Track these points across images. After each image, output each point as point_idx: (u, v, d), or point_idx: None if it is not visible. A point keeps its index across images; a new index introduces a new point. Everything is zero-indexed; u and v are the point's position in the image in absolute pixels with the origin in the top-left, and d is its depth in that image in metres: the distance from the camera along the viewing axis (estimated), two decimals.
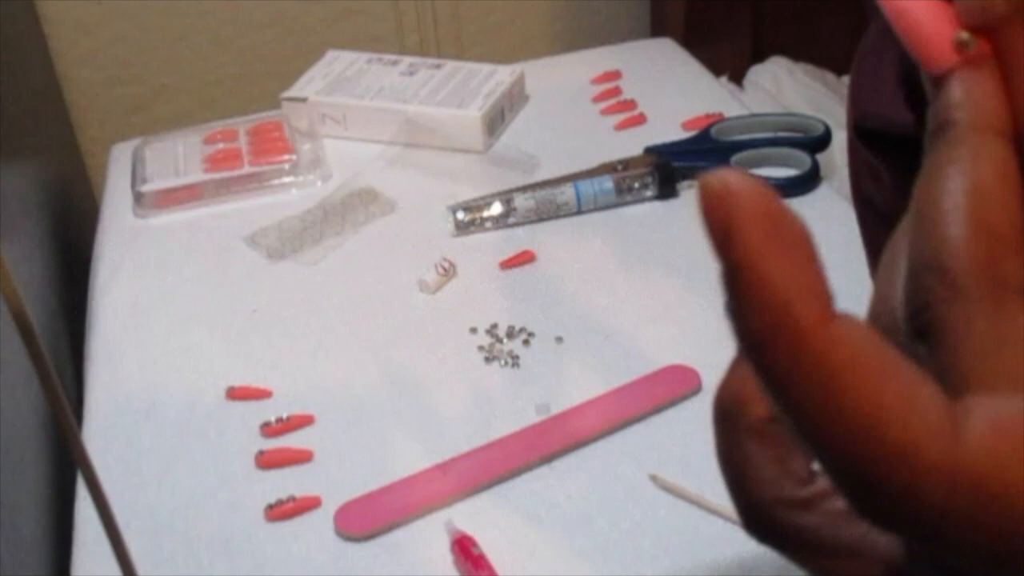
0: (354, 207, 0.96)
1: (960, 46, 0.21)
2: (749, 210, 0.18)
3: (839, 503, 0.21)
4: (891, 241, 0.23)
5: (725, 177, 0.18)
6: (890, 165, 0.42)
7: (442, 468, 0.70)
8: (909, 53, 0.22)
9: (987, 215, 0.20)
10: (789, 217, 0.18)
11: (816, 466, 0.22)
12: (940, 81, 0.22)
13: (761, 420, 0.22)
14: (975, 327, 0.19)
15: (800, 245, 0.18)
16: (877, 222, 0.45)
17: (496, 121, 1.04)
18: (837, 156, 1.06)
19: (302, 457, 0.72)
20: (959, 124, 0.21)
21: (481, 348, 0.80)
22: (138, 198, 0.99)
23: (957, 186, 0.20)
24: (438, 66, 1.10)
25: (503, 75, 1.08)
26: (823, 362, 0.18)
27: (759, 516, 0.22)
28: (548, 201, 0.93)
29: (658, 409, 0.73)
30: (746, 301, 0.18)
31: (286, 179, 1.01)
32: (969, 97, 0.21)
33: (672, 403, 0.73)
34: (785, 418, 0.19)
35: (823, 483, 0.22)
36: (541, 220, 0.93)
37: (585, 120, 1.07)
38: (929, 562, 0.20)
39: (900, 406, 0.18)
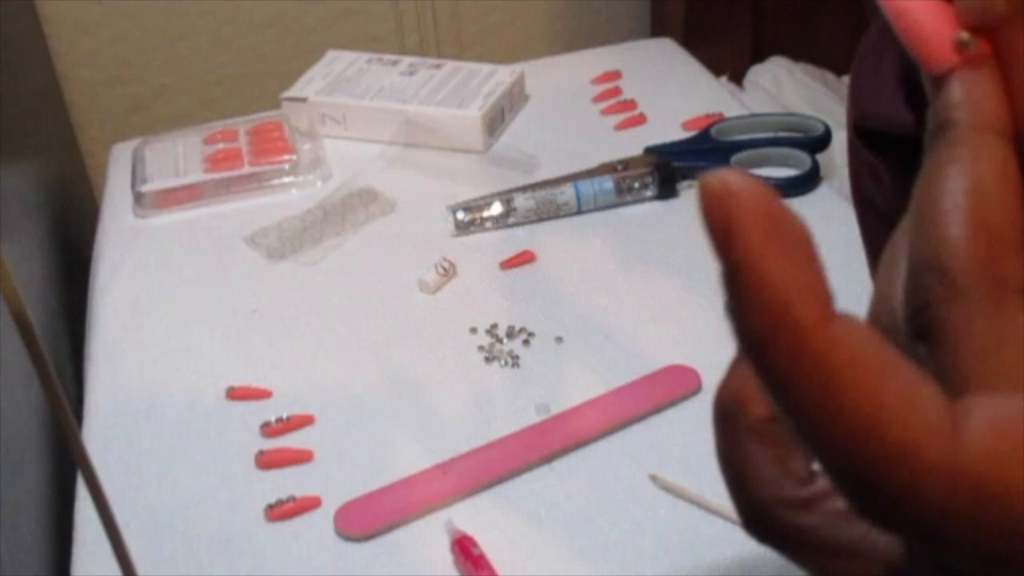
0: (354, 207, 0.96)
1: (960, 46, 0.21)
2: (749, 210, 0.18)
3: (839, 503, 0.21)
4: (891, 241, 0.23)
5: (725, 177, 0.18)
6: (890, 165, 0.42)
7: (442, 468, 0.70)
8: (909, 53, 0.22)
9: (987, 215, 0.20)
10: (789, 217, 0.18)
11: (816, 466, 0.22)
12: (940, 81, 0.22)
13: (761, 420, 0.22)
14: (975, 327, 0.19)
15: (800, 245, 0.18)
16: (877, 222, 0.45)
17: (496, 121, 1.04)
18: (837, 156, 1.05)
19: (302, 457, 0.72)
20: (959, 124, 0.21)
21: (481, 348, 0.80)
22: (138, 198, 0.99)
23: (957, 186, 0.20)
24: (438, 66, 1.10)
25: (503, 75, 1.08)
26: (823, 362, 0.18)
27: (759, 516, 0.22)
28: (548, 201, 0.93)
29: (658, 409, 0.73)
30: (746, 301, 0.18)
31: (286, 179, 1.01)
32: (969, 97, 0.21)
33: (672, 403, 0.73)
34: (785, 418, 0.19)
35: (823, 483, 0.22)
36: (541, 220, 0.93)
37: (585, 120, 1.07)
38: (929, 562, 0.20)
39: (900, 406, 0.18)
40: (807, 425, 0.18)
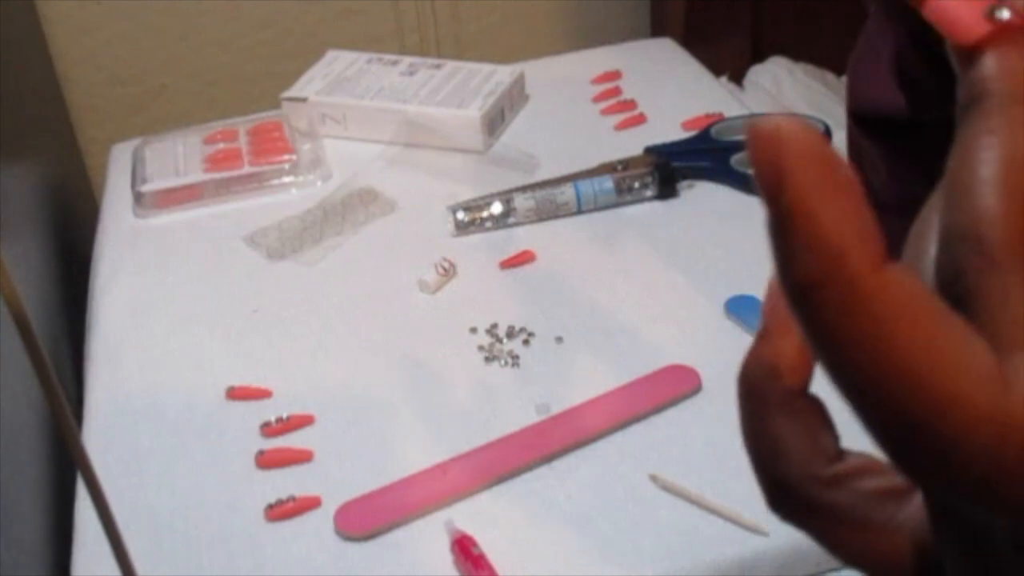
0: (354, 207, 0.96)
1: (992, 15, 0.21)
2: (801, 154, 0.18)
3: (868, 483, 0.21)
4: (920, 215, 0.23)
5: (776, 121, 0.18)
6: (886, 153, 0.42)
7: (442, 468, 0.70)
8: (935, 25, 0.22)
9: None
10: (840, 162, 0.18)
11: (844, 445, 0.22)
12: (970, 53, 0.21)
13: (790, 393, 0.21)
14: (1011, 297, 0.19)
15: (851, 190, 0.18)
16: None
17: (496, 121, 1.04)
18: None
19: (302, 457, 0.72)
20: (995, 95, 0.21)
21: (481, 348, 0.80)
22: (138, 198, 0.99)
23: (994, 156, 0.20)
24: (438, 66, 1.10)
25: (503, 75, 1.08)
26: (875, 308, 0.18)
27: (787, 493, 0.21)
28: (548, 201, 0.93)
29: (658, 409, 0.73)
30: (797, 245, 0.18)
31: (286, 179, 1.01)
32: (1005, 67, 0.21)
33: (672, 403, 0.73)
34: (829, 368, 0.19)
35: (853, 461, 0.21)
36: (541, 220, 0.93)
37: (585, 120, 1.07)
38: (957, 541, 0.20)
39: (952, 354, 0.18)
40: (854, 374, 0.18)
